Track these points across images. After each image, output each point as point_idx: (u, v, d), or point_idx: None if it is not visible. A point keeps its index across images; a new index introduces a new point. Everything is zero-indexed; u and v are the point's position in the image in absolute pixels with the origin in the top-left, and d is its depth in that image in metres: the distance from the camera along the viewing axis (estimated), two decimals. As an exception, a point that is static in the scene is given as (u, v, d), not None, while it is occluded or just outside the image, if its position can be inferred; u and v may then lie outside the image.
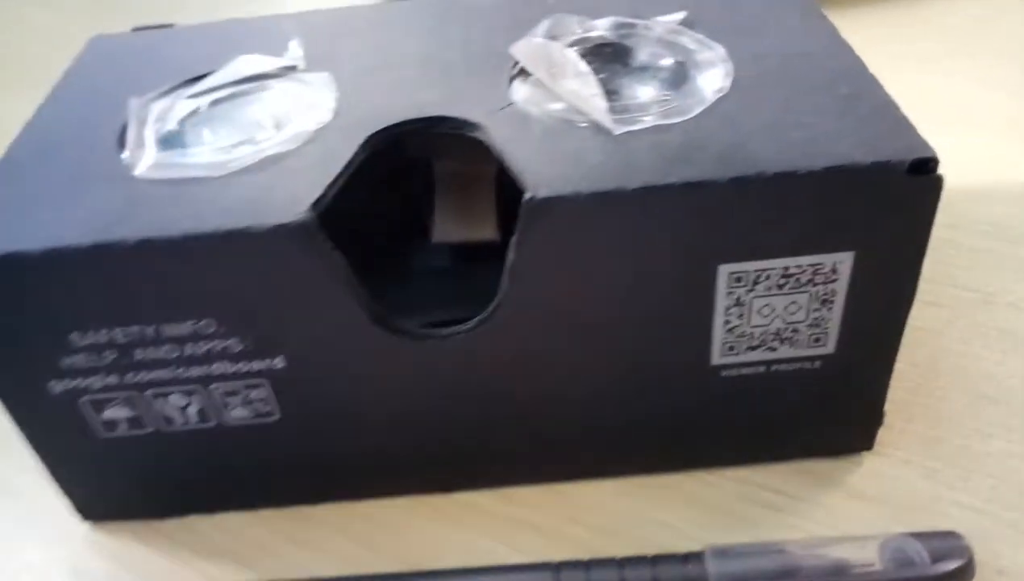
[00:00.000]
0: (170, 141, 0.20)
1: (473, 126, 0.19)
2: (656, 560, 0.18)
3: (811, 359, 0.19)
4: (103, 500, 0.22)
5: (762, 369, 0.19)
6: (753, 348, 0.18)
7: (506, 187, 0.18)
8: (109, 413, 0.20)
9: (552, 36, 0.21)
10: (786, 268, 0.17)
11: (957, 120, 0.31)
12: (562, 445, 0.21)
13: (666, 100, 0.19)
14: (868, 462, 0.21)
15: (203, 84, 0.21)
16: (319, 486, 0.22)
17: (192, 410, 0.20)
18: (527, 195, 0.16)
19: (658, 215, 0.17)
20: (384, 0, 0.25)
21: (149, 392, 0.19)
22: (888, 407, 0.20)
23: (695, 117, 0.18)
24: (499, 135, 0.18)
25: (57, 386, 0.19)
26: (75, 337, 0.18)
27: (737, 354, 0.19)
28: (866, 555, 0.18)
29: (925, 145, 0.16)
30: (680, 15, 0.21)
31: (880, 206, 0.16)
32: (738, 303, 0.18)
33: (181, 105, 0.21)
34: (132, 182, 0.19)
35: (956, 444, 0.21)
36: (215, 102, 0.21)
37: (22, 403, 0.19)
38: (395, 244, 0.25)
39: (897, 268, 0.17)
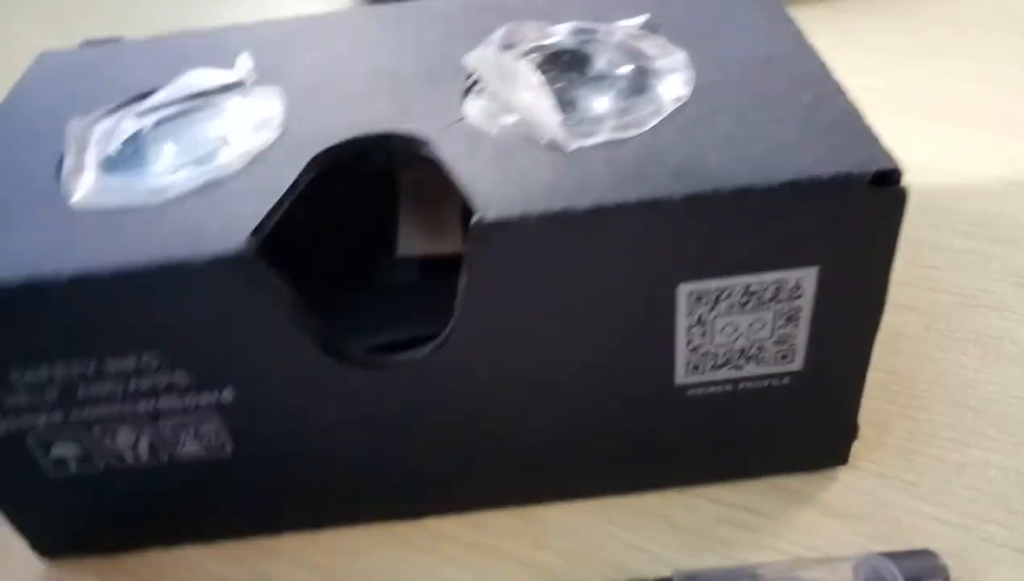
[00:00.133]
0: (112, 164, 0.19)
1: (422, 143, 0.18)
2: (623, 588, 0.18)
3: (779, 376, 0.18)
4: (59, 537, 0.21)
5: (729, 387, 0.18)
6: (718, 367, 0.18)
7: None
8: (57, 451, 0.19)
9: (508, 44, 0.20)
10: (748, 286, 0.16)
11: (936, 114, 0.31)
12: (528, 468, 0.20)
13: (623, 111, 0.18)
14: (843, 477, 0.20)
15: (148, 102, 0.21)
16: (279, 516, 0.21)
17: (142, 446, 0.19)
18: (475, 217, 0.16)
19: (611, 234, 0.16)
20: (340, 8, 0.24)
21: (96, 429, 0.18)
22: (864, 417, 0.20)
23: (651, 129, 0.17)
24: (449, 152, 0.18)
25: (1, 425, 0.18)
26: (14, 375, 0.17)
27: (702, 373, 0.18)
28: (840, 578, 0.17)
29: (889, 156, 0.15)
30: (642, 19, 0.21)
31: (843, 220, 0.16)
32: (700, 322, 0.17)
33: (125, 125, 0.20)
34: (68, 211, 0.18)
35: (933, 455, 0.20)
36: (160, 122, 0.20)
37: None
38: (360, 258, 0.24)
39: (864, 282, 0.17)
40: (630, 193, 0.16)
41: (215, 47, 0.23)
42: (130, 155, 0.20)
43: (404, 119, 0.19)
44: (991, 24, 0.35)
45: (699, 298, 0.17)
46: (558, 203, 0.16)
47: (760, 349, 0.18)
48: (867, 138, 0.16)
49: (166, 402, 0.18)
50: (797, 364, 0.18)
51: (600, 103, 0.19)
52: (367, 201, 0.24)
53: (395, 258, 0.23)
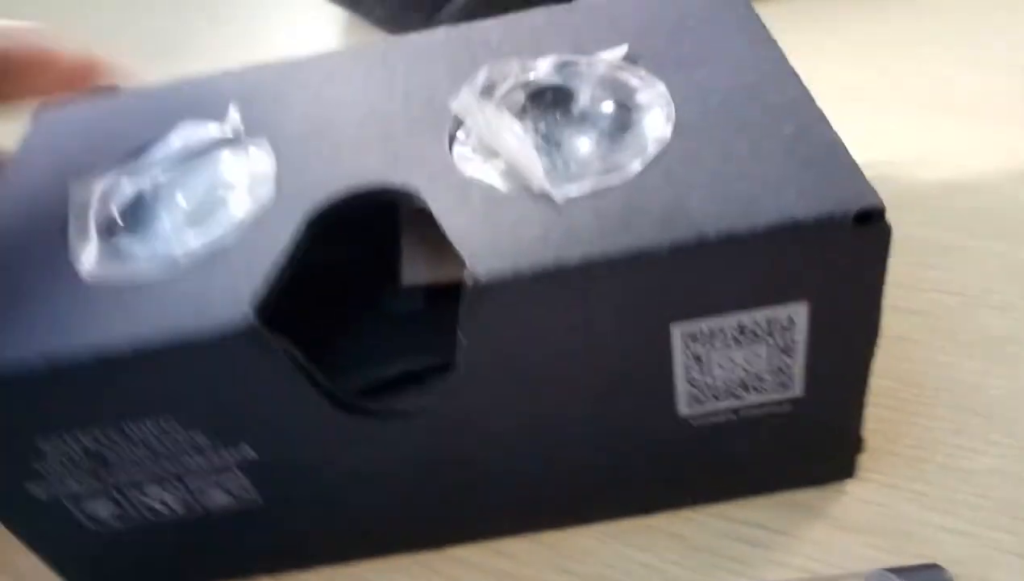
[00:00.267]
0: (114, 229, 0.20)
1: (413, 197, 0.18)
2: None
3: (780, 403, 0.18)
4: (102, 583, 0.22)
5: (732, 415, 0.19)
6: (719, 398, 0.18)
7: None
8: (93, 510, 0.20)
9: (491, 84, 0.21)
10: (740, 323, 0.17)
11: (931, 104, 0.30)
12: (542, 498, 0.21)
13: (607, 153, 0.18)
14: (852, 489, 0.21)
15: (144, 160, 0.21)
16: (309, 552, 0.22)
17: (174, 501, 0.20)
18: (467, 275, 0.16)
19: (603, 285, 0.16)
20: (326, 50, 0.24)
21: (127, 489, 0.19)
22: (871, 425, 0.20)
23: (637, 175, 0.17)
24: (440, 204, 0.18)
25: (37, 488, 0.19)
26: (42, 443, 0.18)
27: (703, 404, 0.18)
28: (849, 596, 0.18)
29: (871, 193, 0.16)
30: (622, 49, 0.21)
31: (828, 257, 0.16)
32: (696, 358, 0.17)
33: (123, 186, 0.21)
34: (77, 281, 0.19)
35: (941, 463, 0.21)
36: (156, 181, 0.21)
37: (7, 506, 0.20)
38: (364, 288, 0.25)
39: (855, 313, 0.17)
40: (618, 244, 0.16)
41: (206, 96, 0.23)
42: (131, 219, 0.20)
43: (394, 169, 0.19)
44: (984, 8, 0.34)
45: (693, 337, 0.17)
46: (548, 257, 0.16)
47: (759, 379, 0.18)
48: (849, 173, 0.16)
49: (190, 461, 0.19)
50: (797, 391, 0.18)
51: (584, 144, 0.19)
52: (368, 230, 0.25)
53: (400, 287, 0.24)
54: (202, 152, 0.21)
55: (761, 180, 0.16)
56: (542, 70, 0.21)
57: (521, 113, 0.20)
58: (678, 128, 0.18)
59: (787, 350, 0.17)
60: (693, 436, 0.19)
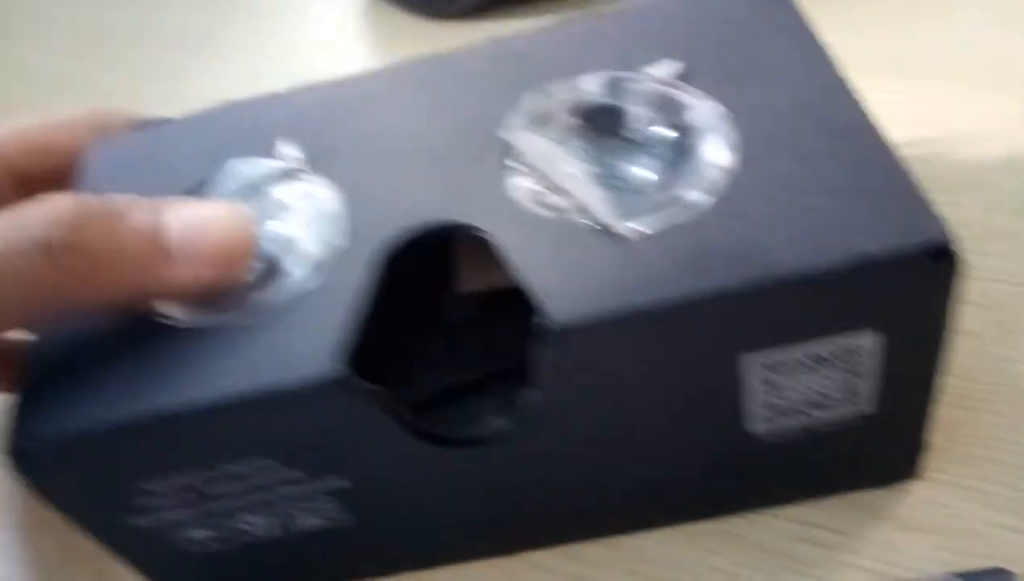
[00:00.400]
0: None
1: (484, 236, 0.19)
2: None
3: (849, 419, 0.19)
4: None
5: (803, 430, 0.19)
6: (790, 417, 0.19)
7: None
8: (191, 535, 0.21)
9: (540, 109, 0.21)
10: (812, 351, 0.17)
11: (970, 75, 0.29)
12: (615, 506, 0.22)
13: (669, 183, 0.18)
14: (917, 490, 0.21)
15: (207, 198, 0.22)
16: (393, 561, 0.23)
17: (268, 525, 0.21)
18: (546, 321, 0.17)
19: (680, 323, 0.17)
20: (370, 70, 0.24)
21: (224, 517, 0.20)
22: (935, 425, 0.20)
23: (703, 210, 0.18)
24: (509, 242, 0.18)
25: (139, 520, 0.20)
26: (147, 484, 0.19)
27: (774, 423, 0.19)
28: (916, 599, 0.19)
29: (941, 227, 0.16)
30: (672, 66, 0.21)
31: (899, 291, 0.16)
32: (768, 383, 0.18)
33: None
34: (166, 331, 0.19)
35: (1007, 463, 0.21)
36: None
37: (111, 536, 0.21)
38: (424, 298, 0.25)
39: (925, 336, 0.17)
40: (695, 286, 0.16)
41: (255, 126, 0.23)
42: None
43: (458, 205, 0.19)
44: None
45: (766, 365, 0.18)
46: (625, 301, 0.17)
47: (829, 399, 0.18)
48: (918, 205, 0.16)
49: (283, 491, 0.20)
50: (866, 408, 0.19)
51: (642, 173, 0.19)
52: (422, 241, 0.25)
53: (456, 295, 0.24)
54: (263, 187, 0.22)
55: (830, 214, 0.17)
56: (590, 88, 0.21)
57: (573, 138, 0.20)
58: (738, 155, 0.18)
59: (857, 373, 0.18)
60: (762, 449, 0.20)
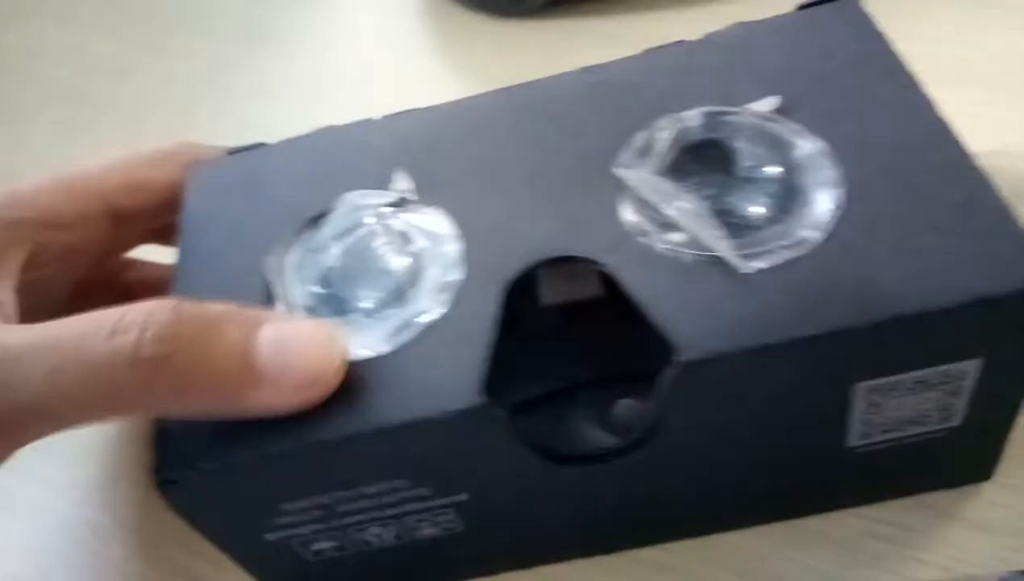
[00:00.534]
0: (317, 307, 0.21)
1: (600, 267, 0.20)
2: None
3: (939, 431, 0.21)
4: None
5: (893, 443, 0.21)
6: (886, 432, 0.20)
7: None
8: (317, 546, 0.22)
9: (646, 144, 0.22)
10: (918, 377, 0.19)
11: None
12: (711, 510, 0.23)
13: (780, 220, 0.20)
14: (986, 492, 0.23)
15: (324, 232, 0.22)
16: (501, 561, 0.25)
17: (389, 536, 0.22)
18: (677, 357, 0.18)
19: (799, 357, 0.18)
20: (470, 97, 0.25)
21: (350, 530, 0.22)
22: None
23: (814, 246, 0.19)
24: (628, 276, 0.19)
25: (272, 536, 0.22)
26: (285, 505, 0.21)
27: (870, 438, 0.21)
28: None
29: None
30: (773, 101, 0.22)
31: (1008, 325, 0.18)
32: (872, 404, 0.19)
33: (310, 260, 0.22)
34: None
35: (1068, 464, 0.23)
36: (343, 254, 0.22)
37: (242, 550, 0.22)
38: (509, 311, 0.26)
39: (1019, 360, 0.19)
40: (817, 325, 0.18)
41: (359, 151, 0.24)
42: (329, 295, 0.22)
43: (573, 238, 0.20)
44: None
45: (873, 390, 0.19)
46: (749, 338, 0.18)
47: (925, 416, 0.20)
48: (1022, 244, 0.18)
49: (410, 507, 0.21)
50: (956, 422, 0.20)
51: (755, 211, 0.20)
52: None
53: (539, 306, 0.25)
54: (378, 218, 0.22)
55: (940, 253, 0.18)
56: (692, 123, 0.22)
57: (681, 174, 0.21)
58: (847, 193, 0.19)
59: (955, 394, 0.19)
60: (853, 461, 0.21)
